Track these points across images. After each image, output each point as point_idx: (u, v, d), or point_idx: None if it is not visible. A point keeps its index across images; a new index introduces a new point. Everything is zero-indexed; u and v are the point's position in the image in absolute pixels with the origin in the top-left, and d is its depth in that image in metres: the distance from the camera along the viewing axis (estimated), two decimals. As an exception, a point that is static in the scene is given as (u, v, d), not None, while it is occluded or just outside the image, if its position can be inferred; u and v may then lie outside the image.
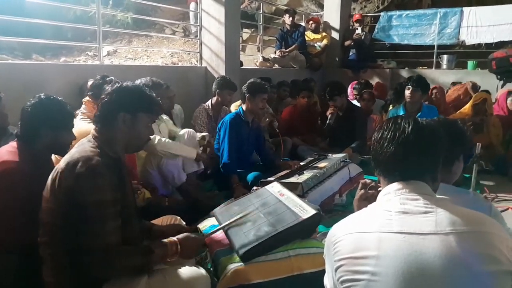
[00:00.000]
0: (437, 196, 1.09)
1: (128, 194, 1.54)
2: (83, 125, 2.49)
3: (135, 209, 1.62)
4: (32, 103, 1.81)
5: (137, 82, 2.80)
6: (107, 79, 2.72)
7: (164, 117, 3.19)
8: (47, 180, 1.45)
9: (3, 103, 2.27)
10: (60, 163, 1.42)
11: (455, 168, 1.44)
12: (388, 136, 1.07)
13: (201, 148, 3.24)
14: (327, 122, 4.18)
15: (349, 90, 5.63)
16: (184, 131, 3.14)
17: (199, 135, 3.24)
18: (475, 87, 5.31)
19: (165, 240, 1.53)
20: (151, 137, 1.82)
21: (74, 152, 1.43)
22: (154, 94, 1.61)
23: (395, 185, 1.06)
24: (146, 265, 1.45)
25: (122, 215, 1.43)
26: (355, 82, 5.72)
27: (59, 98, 1.88)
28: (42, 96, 1.83)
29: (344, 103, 4.17)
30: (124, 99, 1.50)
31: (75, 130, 1.92)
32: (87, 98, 2.80)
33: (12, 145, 1.81)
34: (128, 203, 1.51)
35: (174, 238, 1.55)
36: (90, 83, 2.97)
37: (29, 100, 1.84)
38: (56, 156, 1.98)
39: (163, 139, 2.81)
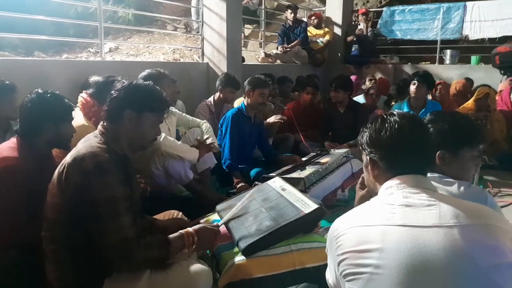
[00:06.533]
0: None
1: (134, 191, 1.54)
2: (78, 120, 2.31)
3: (139, 205, 1.63)
4: (30, 98, 1.80)
5: (144, 73, 2.78)
6: (110, 79, 2.40)
7: (173, 109, 3.09)
8: (53, 175, 1.44)
9: (16, 96, 2.27)
10: (67, 157, 1.42)
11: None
12: (391, 131, 1.08)
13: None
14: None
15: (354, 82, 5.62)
16: (192, 130, 3.11)
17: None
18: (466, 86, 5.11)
19: (182, 231, 1.54)
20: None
21: (81, 147, 1.43)
22: (164, 93, 1.61)
23: (397, 179, 1.05)
24: (164, 257, 1.46)
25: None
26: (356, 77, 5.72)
27: (56, 92, 1.87)
28: (39, 91, 1.82)
29: (346, 99, 4.18)
30: (132, 96, 1.50)
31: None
32: (84, 94, 2.48)
33: (12, 141, 1.81)
34: (134, 200, 1.51)
35: (191, 229, 1.56)
36: (92, 79, 2.92)
37: (26, 97, 1.82)
38: (56, 150, 1.98)
39: (168, 138, 2.78)
